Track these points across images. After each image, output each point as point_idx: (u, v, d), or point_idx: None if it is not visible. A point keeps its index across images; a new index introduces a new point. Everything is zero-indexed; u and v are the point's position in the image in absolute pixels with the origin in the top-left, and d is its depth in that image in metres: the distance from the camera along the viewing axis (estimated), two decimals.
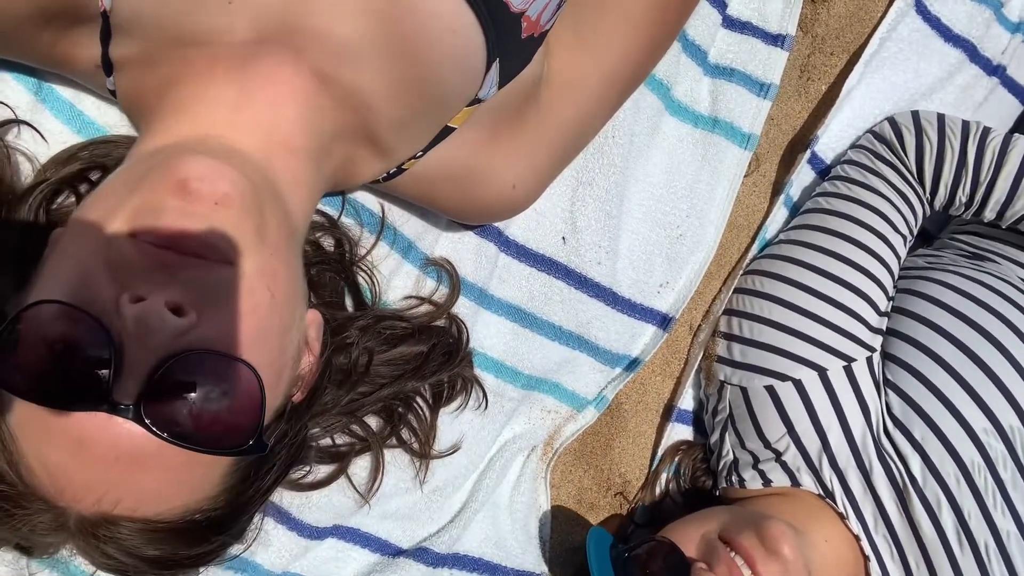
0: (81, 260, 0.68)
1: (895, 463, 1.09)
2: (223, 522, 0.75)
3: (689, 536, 1.04)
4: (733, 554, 1.00)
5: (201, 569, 0.80)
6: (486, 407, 1.12)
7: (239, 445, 0.67)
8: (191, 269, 0.67)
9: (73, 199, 0.88)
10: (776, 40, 1.28)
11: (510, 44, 0.83)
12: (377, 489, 1.04)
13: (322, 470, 1.00)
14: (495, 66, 0.84)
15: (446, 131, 0.88)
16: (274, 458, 0.79)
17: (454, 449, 1.10)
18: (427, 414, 1.05)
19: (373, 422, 1.01)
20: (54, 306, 0.64)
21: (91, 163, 0.89)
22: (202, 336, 0.66)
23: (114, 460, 0.65)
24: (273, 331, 0.71)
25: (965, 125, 1.20)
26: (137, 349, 0.64)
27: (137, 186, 0.70)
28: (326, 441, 0.99)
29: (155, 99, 0.80)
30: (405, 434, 1.04)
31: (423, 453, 1.06)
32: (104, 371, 0.63)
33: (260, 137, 0.77)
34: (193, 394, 0.65)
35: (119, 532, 0.69)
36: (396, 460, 1.07)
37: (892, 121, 1.26)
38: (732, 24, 1.28)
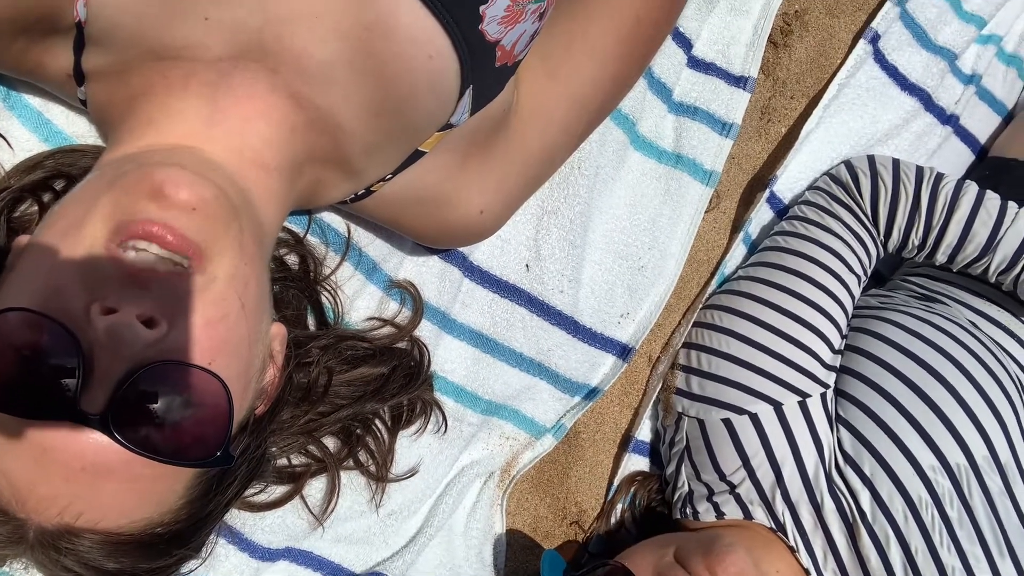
0: (51, 269, 0.67)
1: (845, 498, 1.10)
2: (184, 535, 0.74)
3: (646, 560, 1.04)
4: None
5: None
6: (445, 431, 1.11)
7: (206, 456, 0.67)
8: (163, 282, 0.66)
9: (36, 208, 0.87)
10: (739, 82, 1.31)
11: (484, 72, 0.84)
12: (332, 511, 1.03)
13: (277, 490, 0.99)
14: (468, 93, 0.84)
15: (416, 155, 0.89)
16: (236, 471, 0.78)
17: (411, 473, 1.10)
18: (385, 437, 1.04)
19: (330, 443, 1.00)
20: (22, 314, 0.63)
21: (55, 172, 0.88)
22: (172, 347, 0.65)
23: (79, 471, 0.64)
24: (242, 341, 0.71)
25: (919, 170, 1.23)
26: (106, 359, 0.64)
27: (109, 191, 0.69)
28: (282, 461, 0.98)
29: (127, 111, 0.80)
30: (362, 456, 1.03)
31: (380, 476, 1.05)
32: (71, 381, 0.62)
33: (232, 152, 0.76)
34: (161, 405, 0.64)
35: (80, 545, 0.67)
36: (352, 483, 1.06)
37: (848, 164, 1.29)
38: (697, 64, 1.30)
